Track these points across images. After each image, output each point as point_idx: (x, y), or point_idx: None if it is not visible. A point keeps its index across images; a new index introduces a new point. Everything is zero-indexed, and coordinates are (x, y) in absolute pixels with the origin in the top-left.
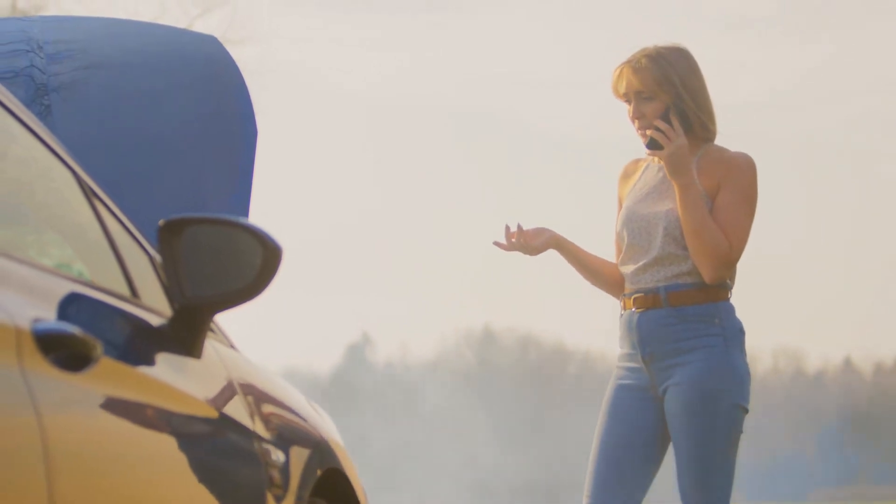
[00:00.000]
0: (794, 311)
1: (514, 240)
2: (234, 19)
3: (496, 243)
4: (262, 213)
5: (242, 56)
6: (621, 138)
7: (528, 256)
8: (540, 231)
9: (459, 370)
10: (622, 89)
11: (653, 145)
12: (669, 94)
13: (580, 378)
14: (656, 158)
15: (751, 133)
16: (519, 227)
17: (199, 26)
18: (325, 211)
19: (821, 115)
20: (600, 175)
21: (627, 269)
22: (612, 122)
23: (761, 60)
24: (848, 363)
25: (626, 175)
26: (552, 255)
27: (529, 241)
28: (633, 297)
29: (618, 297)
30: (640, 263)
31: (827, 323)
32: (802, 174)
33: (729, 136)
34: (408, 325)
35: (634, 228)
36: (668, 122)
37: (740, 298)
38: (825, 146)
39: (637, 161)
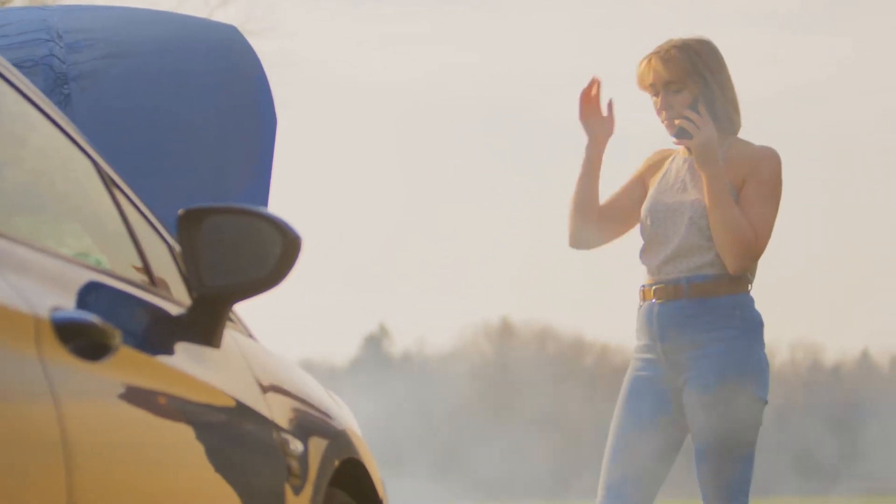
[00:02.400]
0: (811, 305)
1: (593, 93)
2: (254, 11)
3: (584, 93)
4: (280, 204)
5: (262, 48)
6: (649, 134)
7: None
8: (610, 123)
9: (477, 362)
10: (649, 80)
11: (682, 134)
12: (699, 84)
13: (598, 371)
14: (683, 150)
15: (772, 128)
16: (610, 102)
17: (218, 17)
18: (343, 202)
19: (844, 110)
20: (627, 171)
21: (649, 261)
22: (640, 118)
23: (783, 55)
24: (865, 356)
25: (653, 164)
26: (570, 248)
27: (598, 116)
28: (653, 288)
29: (582, 240)
30: (663, 255)
31: (844, 316)
32: (822, 169)
33: (751, 130)
34: (425, 317)
35: (659, 218)
36: (697, 112)
37: (758, 291)
38: (844, 142)
39: (663, 151)
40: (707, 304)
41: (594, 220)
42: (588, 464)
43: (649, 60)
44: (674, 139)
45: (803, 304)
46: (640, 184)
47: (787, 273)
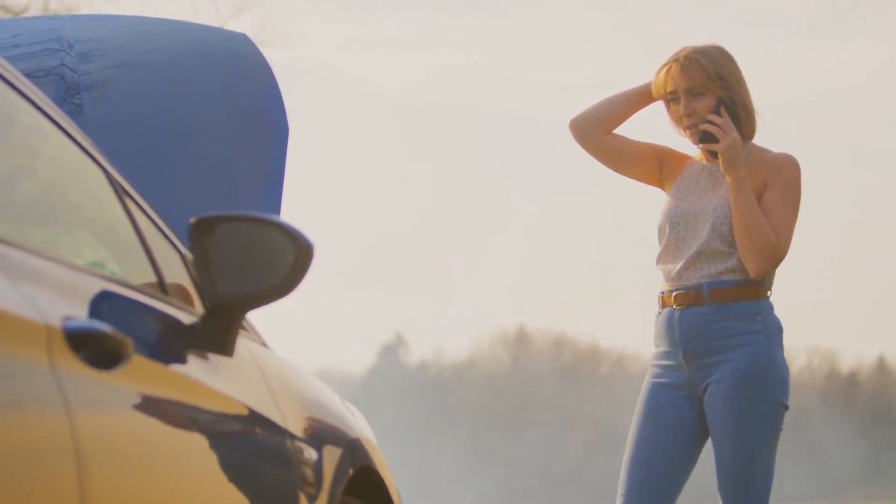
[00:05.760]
0: (828, 311)
1: None
2: (266, 21)
3: None
4: (294, 213)
5: (273, 57)
6: (655, 140)
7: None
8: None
9: (493, 371)
10: (669, 87)
11: (706, 138)
12: (720, 87)
13: (614, 378)
14: (700, 156)
15: (787, 133)
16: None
17: (231, 27)
18: (358, 211)
19: (861, 114)
20: (636, 182)
21: (668, 268)
22: (645, 124)
23: (795, 60)
24: (882, 363)
25: (676, 160)
26: (586, 255)
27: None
28: (673, 295)
29: (582, 127)
30: (682, 260)
31: (861, 323)
32: (839, 175)
33: (770, 137)
34: (441, 326)
35: (679, 223)
36: (720, 116)
37: (775, 298)
38: (863, 148)
39: (680, 155)
40: (729, 309)
41: (604, 129)
42: (606, 471)
43: (668, 68)
44: (698, 145)
45: (820, 311)
46: (655, 156)
47: (803, 280)
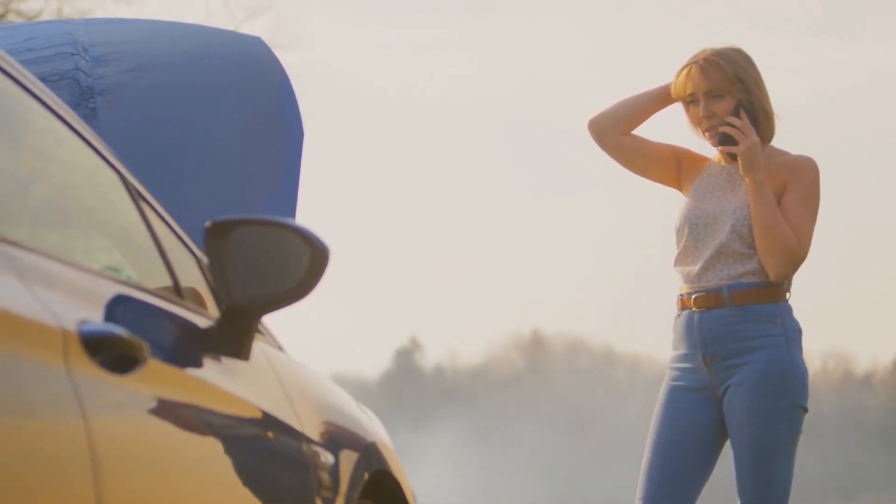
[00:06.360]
0: (843, 314)
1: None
2: (280, 24)
3: None
4: (309, 217)
5: (288, 61)
6: (674, 141)
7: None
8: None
9: (508, 375)
10: (689, 90)
11: (726, 141)
12: (739, 90)
13: (629, 383)
14: (718, 158)
15: (796, 135)
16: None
17: (245, 30)
18: (373, 215)
19: (869, 116)
20: (649, 182)
21: (687, 269)
22: (662, 127)
23: (802, 61)
24: None
25: (693, 162)
26: (600, 258)
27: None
28: (693, 297)
29: (600, 127)
30: (701, 262)
31: (876, 325)
32: (849, 177)
33: (778, 139)
34: (457, 330)
35: (698, 224)
36: (739, 118)
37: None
38: (872, 148)
39: (697, 156)
40: (749, 312)
41: (623, 130)
42: (622, 475)
43: (688, 70)
44: (718, 147)
45: (834, 313)
46: (672, 157)
47: (817, 282)
